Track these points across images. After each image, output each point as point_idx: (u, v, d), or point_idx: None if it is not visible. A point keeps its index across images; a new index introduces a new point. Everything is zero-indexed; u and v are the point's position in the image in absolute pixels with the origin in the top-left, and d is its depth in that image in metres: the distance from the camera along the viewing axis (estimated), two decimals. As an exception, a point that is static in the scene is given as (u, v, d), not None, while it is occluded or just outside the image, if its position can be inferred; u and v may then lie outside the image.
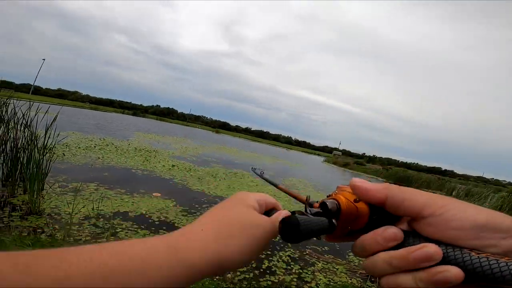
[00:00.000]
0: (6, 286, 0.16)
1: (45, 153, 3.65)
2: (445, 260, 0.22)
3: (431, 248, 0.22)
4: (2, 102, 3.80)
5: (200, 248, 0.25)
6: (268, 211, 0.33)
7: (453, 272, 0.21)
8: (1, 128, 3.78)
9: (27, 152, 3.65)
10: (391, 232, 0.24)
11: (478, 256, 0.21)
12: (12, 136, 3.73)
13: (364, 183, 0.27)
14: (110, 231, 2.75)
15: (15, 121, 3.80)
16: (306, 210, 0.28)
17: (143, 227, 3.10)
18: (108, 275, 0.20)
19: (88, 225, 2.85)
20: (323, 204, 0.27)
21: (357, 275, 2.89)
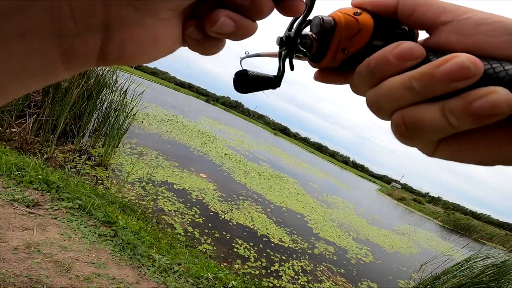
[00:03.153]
0: None
1: (129, 117, 4.41)
2: (486, 80, 0.15)
3: (465, 57, 0.15)
4: (111, 72, 4.82)
5: None
6: None
7: (502, 94, 0.14)
8: (104, 91, 4.73)
9: (116, 113, 4.47)
10: (407, 46, 0.17)
11: None
12: (110, 98, 4.65)
13: None
14: (152, 196, 3.13)
15: (116, 88, 4.73)
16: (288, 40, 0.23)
17: (180, 200, 3.42)
18: None
19: (138, 186, 3.30)
20: (315, 19, 0.22)
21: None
